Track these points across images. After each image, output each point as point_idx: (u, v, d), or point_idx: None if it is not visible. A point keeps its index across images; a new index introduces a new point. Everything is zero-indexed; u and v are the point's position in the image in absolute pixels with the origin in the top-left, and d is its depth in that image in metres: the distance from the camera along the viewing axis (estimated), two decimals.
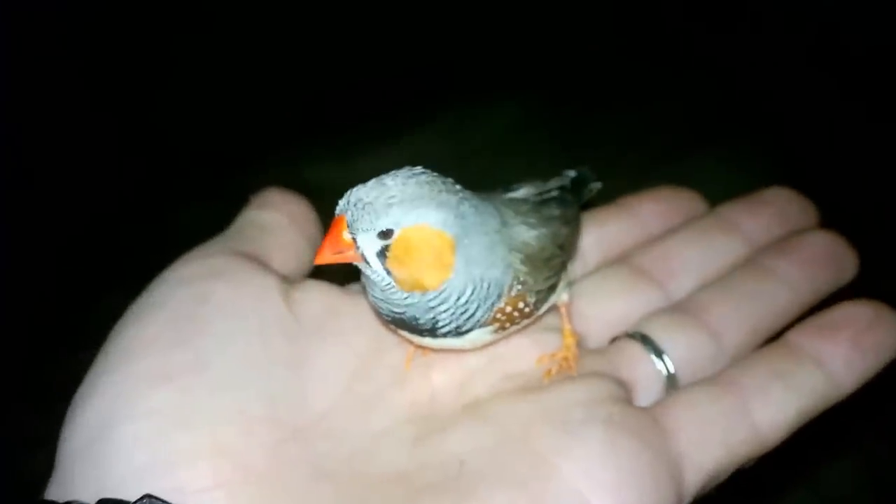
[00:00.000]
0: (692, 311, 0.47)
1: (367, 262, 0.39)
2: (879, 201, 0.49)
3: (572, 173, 0.51)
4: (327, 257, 0.39)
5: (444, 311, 0.40)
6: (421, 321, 0.40)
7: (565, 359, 0.44)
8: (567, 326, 0.46)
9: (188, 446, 0.36)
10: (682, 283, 0.50)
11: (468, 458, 0.39)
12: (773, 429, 0.42)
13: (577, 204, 0.49)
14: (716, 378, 0.44)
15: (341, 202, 0.39)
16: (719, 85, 1.02)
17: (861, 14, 1.04)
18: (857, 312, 0.45)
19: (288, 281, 0.45)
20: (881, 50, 1.01)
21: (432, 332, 0.41)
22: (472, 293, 0.40)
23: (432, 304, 0.40)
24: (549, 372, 0.44)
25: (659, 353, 0.46)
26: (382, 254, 0.39)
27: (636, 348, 0.46)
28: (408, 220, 0.38)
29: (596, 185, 0.52)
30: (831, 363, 0.43)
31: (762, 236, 0.52)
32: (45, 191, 0.96)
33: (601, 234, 0.54)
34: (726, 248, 0.52)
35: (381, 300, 0.41)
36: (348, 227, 0.39)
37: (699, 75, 1.03)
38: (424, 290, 0.40)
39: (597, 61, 1.06)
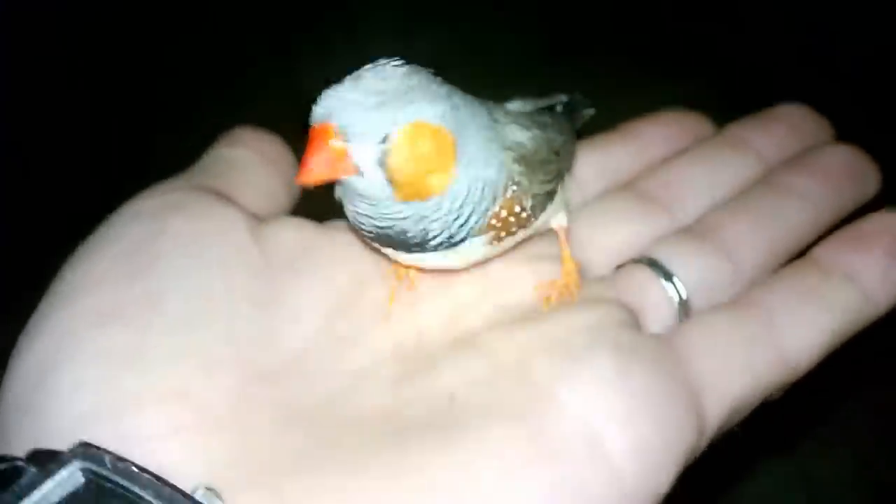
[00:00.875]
0: (704, 233, 0.43)
1: (362, 174, 0.34)
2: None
3: (564, 98, 0.47)
4: (318, 173, 0.33)
5: (437, 220, 0.36)
6: (410, 233, 0.36)
7: (566, 285, 0.40)
8: (566, 251, 0.41)
9: (137, 390, 0.32)
10: (692, 206, 0.46)
11: (459, 391, 0.35)
12: (803, 352, 0.38)
13: (569, 120, 0.45)
14: (736, 300, 0.40)
15: (319, 107, 0.33)
16: (714, 84, 1.00)
17: (853, 18, 1.03)
18: (891, 221, 0.41)
19: (257, 217, 0.41)
20: (874, 52, 0.99)
21: (422, 245, 0.36)
22: (467, 195, 0.36)
23: (427, 212, 0.35)
24: (548, 299, 0.39)
25: (669, 277, 0.41)
26: (382, 161, 0.34)
27: (644, 273, 0.42)
28: (405, 117, 0.33)
29: (589, 112, 0.48)
30: (866, 276, 0.39)
31: (776, 153, 0.48)
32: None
33: (602, 162, 0.49)
34: (738, 166, 0.47)
35: (366, 215, 0.36)
36: (339, 134, 0.33)
37: (694, 76, 1.01)
38: (427, 197, 0.35)
39: (592, 61, 1.05)
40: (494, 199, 0.36)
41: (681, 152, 0.49)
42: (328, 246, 0.41)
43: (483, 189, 0.36)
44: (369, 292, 0.40)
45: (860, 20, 1.04)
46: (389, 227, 0.36)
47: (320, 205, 0.41)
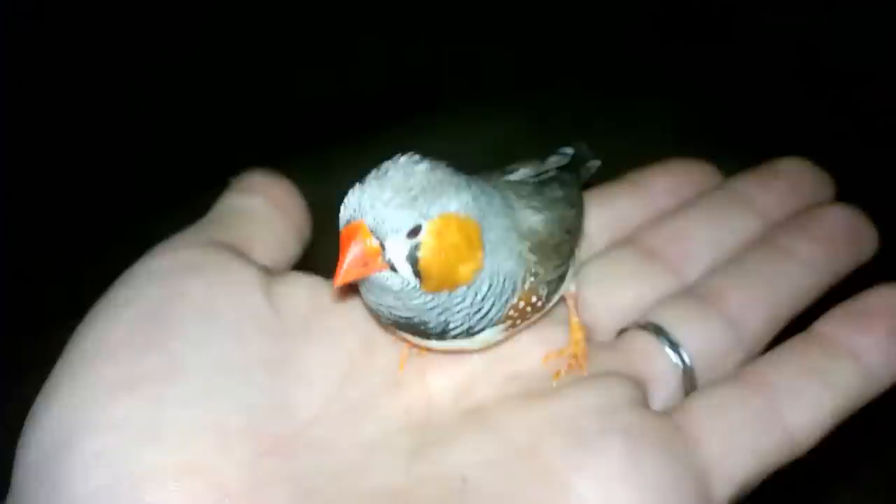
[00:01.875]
0: (708, 298, 0.44)
1: (395, 269, 0.35)
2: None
3: (570, 150, 0.47)
4: (352, 273, 0.34)
5: (459, 312, 0.36)
6: (431, 324, 0.36)
7: (574, 356, 0.40)
8: (575, 319, 0.42)
9: (155, 464, 0.33)
10: (695, 266, 0.47)
11: (471, 473, 0.35)
12: (807, 431, 0.39)
13: (578, 184, 0.45)
14: (741, 375, 0.41)
15: (349, 207, 0.34)
16: (710, 100, 1.01)
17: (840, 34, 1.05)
18: (892, 297, 0.41)
19: (270, 273, 0.41)
20: (861, 67, 1.01)
21: (441, 334, 0.37)
22: (489, 289, 0.36)
23: (452, 303, 0.36)
24: (557, 373, 0.40)
25: (675, 346, 0.42)
26: (413, 255, 0.34)
27: (650, 341, 0.42)
28: (434, 211, 0.34)
29: (595, 163, 0.48)
30: (868, 356, 0.40)
31: (777, 211, 0.49)
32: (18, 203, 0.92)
33: (609, 214, 0.50)
34: (740, 225, 0.48)
35: (388, 306, 0.37)
36: (372, 232, 0.34)
37: (690, 89, 1.02)
38: (455, 288, 0.35)
39: (582, 78, 1.05)
40: (513, 292, 0.37)
41: (686, 205, 0.50)
42: (340, 309, 0.41)
43: (504, 282, 0.37)
44: (380, 357, 0.40)
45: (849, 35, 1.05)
46: (411, 318, 0.36)
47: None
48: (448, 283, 0.35)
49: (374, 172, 0.35)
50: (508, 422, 0.37)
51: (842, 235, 0.46)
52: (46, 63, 1.07)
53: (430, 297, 0.36)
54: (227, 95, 1.07)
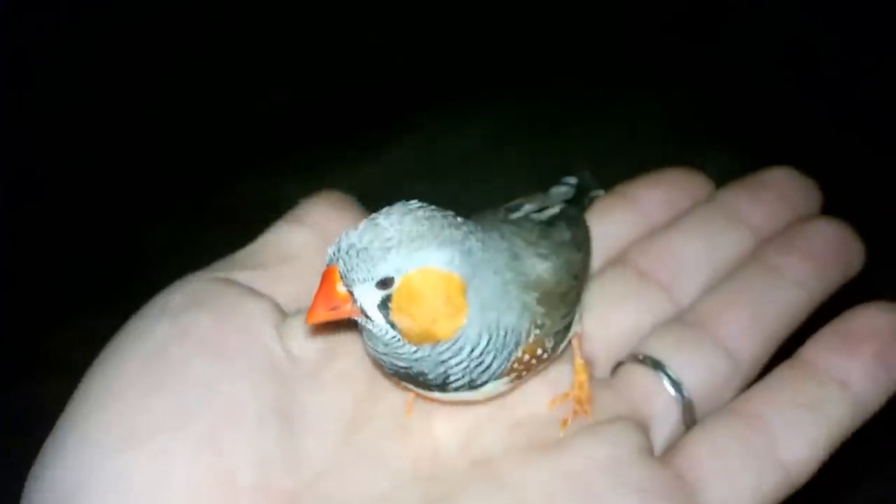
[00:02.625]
0: (703, 325, 0.44)
1: (368, 317, 0.35)
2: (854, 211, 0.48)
3: (573, 180, 0.47)
4: (320, 315, 0.35)
5: (457, 365, 0.36)
6: (430, 376, 0.36)
7: (579, 401, 0.41)
8: (579, 361, 0.42)
9: None
10: (689, 286, 0.47)
11: None
12: (803, 467, 0.39)
13: (584, 220, 0.45)
14: (736, 410, 0.41)
15: (330, 250, 0.35)
16: (696, 97, 1.01)
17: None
18: (878, 320, 0.41)
19: (283, 313, 0.40)
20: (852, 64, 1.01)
21: (443, 386, 0.37)
22: (489, 343, 0.36)
23: (444, 357, 0.36)
24: (564, 421, 0.40)
25: (674, 381, 0.42)
26: (385, 305, 0.34)
27: (648, 376, 0.43)
28: (410, 265, 0.34)
29: (598, 193, 0.48)
30: (857, 383, 0.40)
31: (767, 225, 0.49)
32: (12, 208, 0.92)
33: (601, 230, 0.49)
34: (731, 241, 0.48)
35: (384, 354, 0.37)
36: (342, 278, 0.34)
37: (677, 88, 1.02)
38: (436, 342, 0.35)
39: (571, 75, 1.04)
40: (517, 345, 0.37)
41: (678, 220, 0.50)
42: (349, 349, 0.40)
43: (505, 336, 0.36)
44: (386, 401, 0.40)
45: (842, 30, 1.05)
46: (408, 368, 0.36)
47: None
48: (427, 338, 0.35)
49: (371, 218, 0.35)
50: (519, 477, 0.37)
51: (830, 251, 0.46)
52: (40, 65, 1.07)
53: (414, 348, 0.36)
54: (219, 97, 1.05)
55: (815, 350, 0.42)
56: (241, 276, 0.40)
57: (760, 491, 0.38)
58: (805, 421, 0.39)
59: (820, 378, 0.40)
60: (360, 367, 0.40)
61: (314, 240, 0.42)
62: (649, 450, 0.39)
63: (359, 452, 0.38)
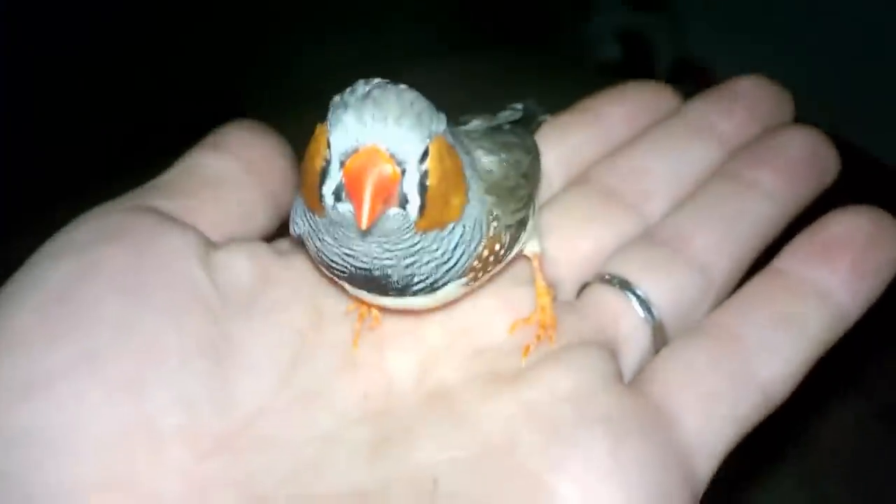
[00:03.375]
0: (672, 242, 0.42)
1: (406, 202, 0.31)
2: None
3: (519, 106, 0.44)
4: (380, 209, 0.29)
5: (429, 263, 0.33)
6: (394, 277, 0.33)
7: (542, 327, 0.38)
8: (541, 282, 0.39)
9: (75, 478, 0.29)
10: (657, 204, 0.45)
11: (442, 474, 0.32)
12: (780, 385, 0.37)
13: (531, 136, 0.42)
14: (709, 329, 0.39)
15: (350, 130, 0.29)
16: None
17: None
18: (855, 226, 0.39)
19: (211, 243, 0.37)
20: None
21: (402, 290, 0.34)
22: (461, 235, 0.33)
23: (433, 247, 0.32)
24: (526, 348, 0.37)
25: (643, 301, 0.40)
26: (423, 183, 0.31)
27: (616, 296, 0.40)
28: (432, 133, 0.31)
29: (544, 118, 0.46)
30: (835, 293, 0.38)
31: (737, 137, 0.47)
32: None
33: (563, 149, 0.47)
34: (700, 155, 0.46)
35: (346, 254, 0.33)
36: (392, 157, 0.29)
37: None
38: (443, 226, 0.32)
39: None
40: (480, 239, 0.34)
41: (643, 135, 0.47)
42: (285, 278, 0.37)
43: (473, 227, 0.33)
44: (330, 332, 0.37)
45: None
46: (371, 269, 0.33)
47: None
48: (441, 219, 0.32)
49: (351, 97, 0.30)
50: (478, 412, 0.35)
51: (804, 161, 0.44)
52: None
53: (418, 238, 0.32)
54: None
55: (791, 260, 0.40)
56: (160, 205, 0.37)
57: (738, 415, 0.36)
58: (783, 337, 0.37)
59: (797, 290, 0.38)
60: (299, 296, 0.37)
61: (236, 165, 0.39)
62: (618, 376, 0.37)
63: (300, 390, 0.35)
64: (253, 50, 1.07)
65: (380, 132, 0.29)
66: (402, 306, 0.36)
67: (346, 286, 0.35)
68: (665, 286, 0.40)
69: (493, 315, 0.39)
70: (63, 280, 0.33)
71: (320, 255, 0.34)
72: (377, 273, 0.33)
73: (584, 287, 0.42)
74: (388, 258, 0.32)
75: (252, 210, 0.40)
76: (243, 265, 0.37)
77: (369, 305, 0.38)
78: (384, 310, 0.38)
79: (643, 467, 0.33)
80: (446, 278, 0.34)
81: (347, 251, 0.33)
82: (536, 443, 0.33)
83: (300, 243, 0.36)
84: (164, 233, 0.35)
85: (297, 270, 0.38)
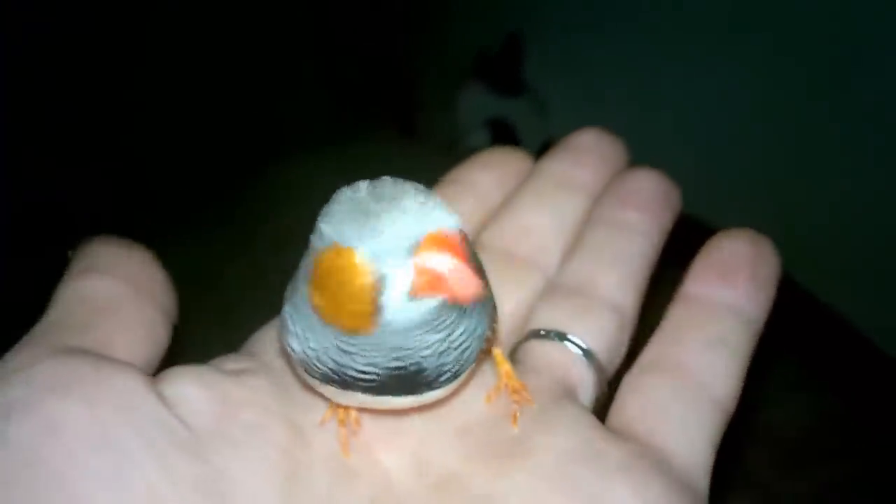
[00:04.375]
0: (582, 290, 0.45)
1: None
2: None
3: None
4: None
5: (458, 346, 0.34)
6: (428, 370, 0.33)
7: (515, 391, 0.39)
8: (497, 351, 0.41)
9: None
10: (550, 257, 0.48)
11: None
12: (732, 399, 0.41)
13: None
14: (655, 363, 0.41)
15: (433, 217, 0.31)
16: None
17: None
18: (740, 246, 0.44)
19: (145, 373, 0.34)
20: None
21: (430, 383, 0.34)
22: (477, 311, 0.35)
23: (459, 328, 0.34)
24: (514, 416, 0.38)
25: (584, 348, 0.42)
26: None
27: (559, 350, 0.42)
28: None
29: None
30: (744, 307, 0.42)
31: (594, 184, 0.51)
32: None
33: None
34: (572, 206, 0.49)
35: (397, 357, 0.33)
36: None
37: None
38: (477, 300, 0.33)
39: None
40: (484, 317, 0.35)
41: (515, 195, 0.50)
42: (246, 397, 0.36)
43: (481, 307, 0.35)
44: (315, 445, 0.36)
45: None
46: (407, 366, 0.33)
47: None
48: (480, 294, 0.32)
49: (371, 199, 0.32)
50: (496, 490, 0.35)
51: (657, 197, 0.49)
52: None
53: (456, 315, 0.33)
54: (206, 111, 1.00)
55: (697, 286, 0.44)
56: (74, 344, 0.34)
57: (711, 434, 0.39)
58: (720, 357, 0.41)
59: (714, 313, 0.42)
60: (269, 414, 0.35)
61: (124, 287, 0.37)
62: (600, 425, 0.39)
63: None
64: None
65: (447, 222, 0.31)
66: (416, 404, 0.36)
67: (358, 397, 0.35)
68: (594, 330, 0.43)
69: (462, 392, 0.39)
70: (22, 445, 0.29)
71: (342, 371, 0.33)
72: (413, 369, 0.33)
73: (515, 348, 0.44)
74: (435, 345, 0.33)
75: (155, 330, 0.38)
76: (197, 393, 0.34)
77: (346, 410, 0.37)
78: (361, 412, 0.38)
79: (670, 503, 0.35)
80: (466, 364, 0.35)
81: (394, 355, 0.33)
82: None
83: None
84: (107, 376, 0.32)
85: (252, 388, 0.36)
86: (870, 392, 0.85)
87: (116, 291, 0.36)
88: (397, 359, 0.33)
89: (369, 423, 0.38)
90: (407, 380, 0.34)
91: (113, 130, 1.06)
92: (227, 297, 0.78)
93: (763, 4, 0.90)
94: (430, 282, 0.31)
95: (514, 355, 0.43)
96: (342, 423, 0.37)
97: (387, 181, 0.32)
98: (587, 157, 0.51)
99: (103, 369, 0.32)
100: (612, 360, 0.44)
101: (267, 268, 0.87)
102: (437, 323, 0.33)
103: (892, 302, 0.90)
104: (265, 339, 0.40)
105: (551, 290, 0.46)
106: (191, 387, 0.34)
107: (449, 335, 0.33)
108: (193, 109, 1.09)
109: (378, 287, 0.31)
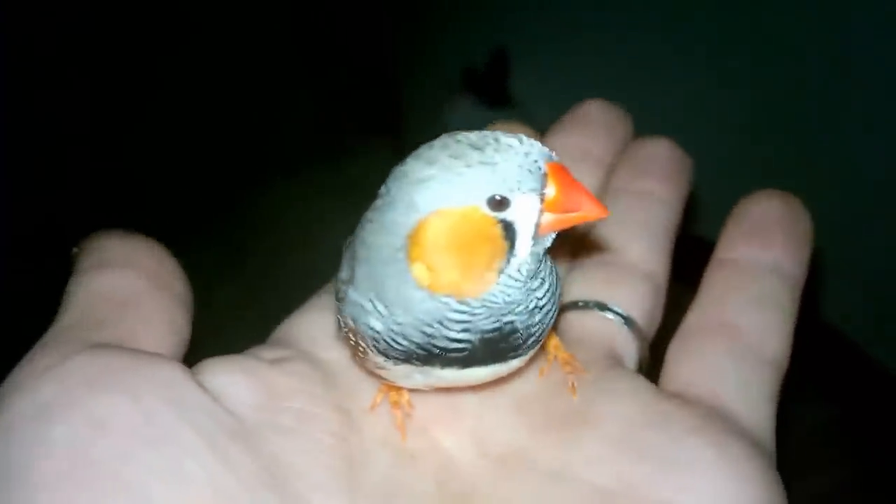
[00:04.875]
0: (613, 260, 0.45)
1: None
2: None
3: None
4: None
5: (544, 305, 0.33)
6: (520, 331, 0.33)
7: (567, 363, 0.38)
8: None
9: None
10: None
11: None
12: (784, 355, 0.40)
13: None
14: (702, 326, 0.41)
15: (541, 153, 0.31)
16: None
17: None
18: (772, 206, 0.44)
19: (185, 367, 0.33)
20: None
21: (517, 347, 0.33)
22: (552, 269, 0.35)
23: (546, 283, 0.34)
24: (572, 386, 0.37)
25: (624, 317, 0.42)
26: None
27: (599, 320, 0.42)
28: None
29: None
30: (783, 264, 0.42)
31: (607, 155, 0.51)
32: None
33: None
34: (590, 179, 0.49)
35: (504, 316, 0.32)
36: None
37: None
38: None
39: None
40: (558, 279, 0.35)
41: None
42: (291, 386, 0.34)
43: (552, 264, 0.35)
44: (367, 430, 0.35)
45: None
46: (502, 328, 0.33)
47: None
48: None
49: (482, 144, 0.31)
50: (566, 461, 0.34)
51: (672, 165, 0.49)
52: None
53: (544, 267, 0.34)
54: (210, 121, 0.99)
55: (733, 249, 0.44)
56: (101, 340, 0.32)
57: (769, 392, 0.39)
58: (768, 315, 0.41)
59: (755, 272, 0.42)
60: (317, 400, 0.34)
61: (144, 280, 0.35)
62: (657, 390, 0.38)
63: (375, 497, 0.32)
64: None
65: (533, 147, 0.31)
66: (496, 375, 0.35)
67: (435, 372, 0.34)
68: (631, 298, 0.43)
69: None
70: (71, 445, 0.28)
71: (431, 343, 0.32)
72: (507, 329, 0.33)
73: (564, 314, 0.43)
74: (539, 298, 0.33)
75: (177, 322, 0.36)
76: (241, 383, 0.33)
77: (399, 392, 0.36)
78: (413, 394, 0.37)
79: (748, 461, 0.34)
80: (548, 326, 0.34)
81: (502, 312, 0.32)
82: (648, 473, 0.34)
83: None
84: (148, 368, 0.31)
85: (296, 375, 0.35)
86: (863, 401, 0.85)
87: (135, 285, 0.35)
88: (498, 318, 0.32)
89: (423, 405, 0.37)
90: (498, 344, 0.33)
91: (102, 152, 1.05)
92: (217, 319, 0.78)
93: (748, 18, 0.91)
94: (563, 212, 0.31)
95: (553, 329, 0.42)
96: (396, 405, 0.36)
97: (464, 133, 0.32)
98: (597, 128, 0.51)
99: (142, 361, 0.31)
100: (650, 326, 0.43)
101: (258, 289, 0.86)
102: (539, 270, 0.33)
103: (885, 311, 0.90)
104: (295, 329, 0.39)
105: (582, 262, 0.45)
106: (234, 376, 0.33)
107: (538, 289, 0.33)
108: (183, 130, 1.09)
109: (507, 237, 0.31)
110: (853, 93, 0.82)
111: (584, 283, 0.44)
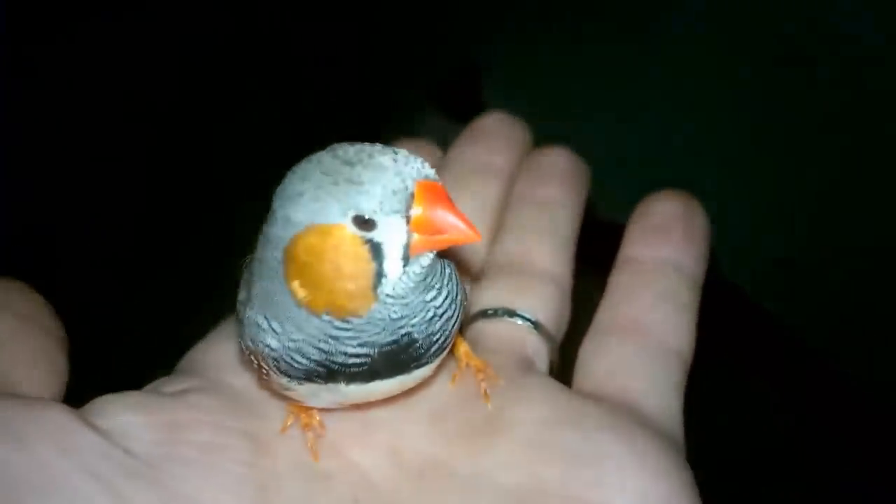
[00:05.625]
0: (520, 265, 0.45)
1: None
2: None
3: None
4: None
5: (444, 312, 0.33)
6: (419, 341, 0.33)
7: (480, 370, 0.38)
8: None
9: None
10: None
11: None
12: (690, 349, 0.42)
13: None
14: (610, 323, 0.42)
15: (412, 168, 0.31)
16: None
17: None
18: (670, 206, 0.46)
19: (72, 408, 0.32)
20: None
21: (420, 357, 0.33)
22: (452, 273, 0.35)
23: (444, 290, 0.33)
24: (485, 394, 0.37)
25: (533, 322, 0.42)
26: None
27: (509, 327, 0.42)
28: None
29: None
30: (683, 261, 0.44)
31: (508, 166, 0.51)
32: None
33: None
34: (491, 188, 0.50)
35: (401, 327, 0.32)
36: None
37: None
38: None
39: None
40: (458, 283, 0.35)
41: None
42: (192, 417, 0.34)
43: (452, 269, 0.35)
44: (280, 454, 0.34)
45: None
46: (399, 340, 0.32)
47: None
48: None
49: (352, 159, 0.31)
50: (483, 466, 0.35)
51: (571, 171, 0.50)
52: None
53: (442, 271, 0.34)
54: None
55: (636, 247, 0.45)
56: None
57: (676, 382, 0.40)
58: (670, 310, 0.42)
59: (657, 270, 0.44)
60: (223, 429, 0.34)
61: (11, 320, 0.34)
62: (569, 390, 0.39)
63: None
64: None
65: (407, 166, 0.31)
66: (401, 388, 0.35)
67: (340, 389, 0.33)
68: (539, 303, 0.43)
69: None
70: None
71: (329, 360, 0.32)
72: (405, 341, 0.32)
73: (464, 329, 0.43)
74: (437, 307, 0.33)
75: (53, 359, 0.35)
76: (136, 420, 0.32)
77: (308, 413, 0.36)
78: (324, 413, 0.36)
79: (657, 454, 0.35)
80: (451, 334, 0.34)
81: (392, 327, 0.32)
82: (562, 471, 0.34)
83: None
84: (33, 415, 0.30)
85: (200, 407, 0.34)
86: (820, 410, 0.87)
87: (8, 326, 0.34)
88: (393, 332, 0.32)
89: (335, 424, 0.36)
90: (398, 356, 0.32)
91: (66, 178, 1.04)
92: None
93: (740, 21, 0.91)
94: (431, 234, 0.31)
95: (462, 336, 0.42)
96: (307, 426, 0.35)
97: (344, 146, 0.31)
98: (496, 141, 0.52)
99: (27, 406, 0.30)
100: (559, 329, 0.44)
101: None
102: (428, 281, 0.32)
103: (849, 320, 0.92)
104: (201, 356, 0.39)
105: (488, 271, 0.46)
106: (129, 413, 0.32)
107: (434, 298, 0.33)
108: (150, 160, 1.08)
109: (375, 257, 0.30)
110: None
111: (493, 290, 0.44)
